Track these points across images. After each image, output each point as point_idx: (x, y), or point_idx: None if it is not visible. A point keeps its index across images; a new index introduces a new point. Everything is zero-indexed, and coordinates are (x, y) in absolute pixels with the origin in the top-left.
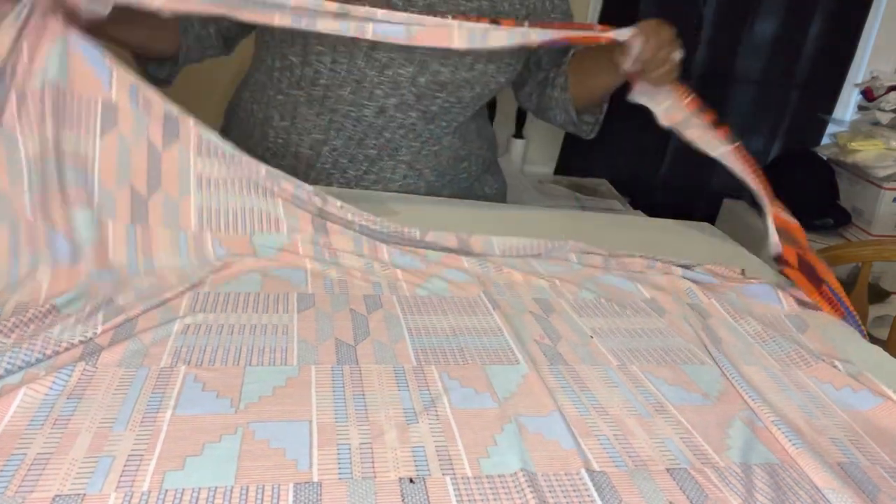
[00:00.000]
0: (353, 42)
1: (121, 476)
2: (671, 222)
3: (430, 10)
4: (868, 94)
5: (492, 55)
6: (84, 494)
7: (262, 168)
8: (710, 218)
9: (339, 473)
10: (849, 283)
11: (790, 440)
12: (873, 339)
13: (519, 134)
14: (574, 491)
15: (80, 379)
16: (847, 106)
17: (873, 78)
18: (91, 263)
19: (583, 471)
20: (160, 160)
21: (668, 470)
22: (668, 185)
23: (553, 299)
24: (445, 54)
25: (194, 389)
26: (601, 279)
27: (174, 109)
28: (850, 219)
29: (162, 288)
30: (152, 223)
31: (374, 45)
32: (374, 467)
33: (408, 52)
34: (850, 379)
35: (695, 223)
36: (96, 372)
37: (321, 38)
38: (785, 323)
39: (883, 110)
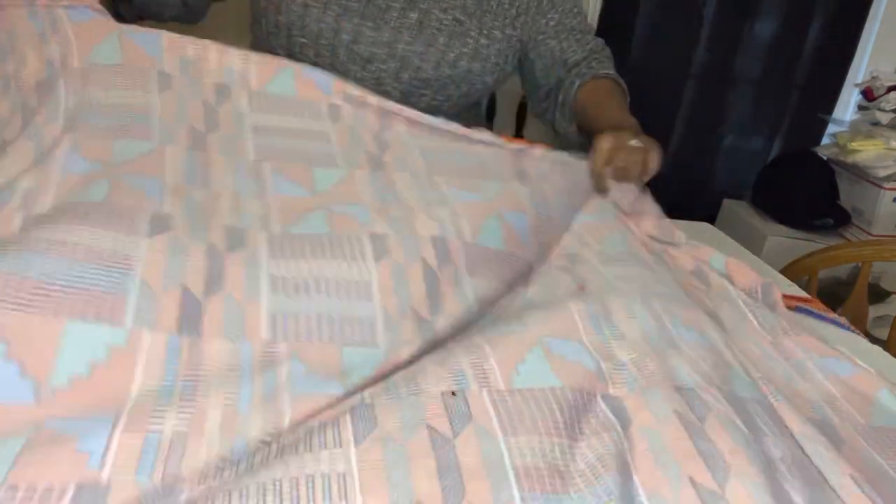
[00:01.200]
0: (335, 35)
1: None
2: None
3: (412, 5)
4: (868, 94)
5: (476, 54)
6: None
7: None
8: (710, 218)
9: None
10: (849, 283)
11: (772, 394)
12: (873, 340)
13: (519, 135)
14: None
15: None
16: (847, 106)
17: (873, 78)
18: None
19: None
20: (216, 112)
21: (676, 388)
22: (667, 185)
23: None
24: (426, 51)
25: None
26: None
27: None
28: (850, 219)
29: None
30: (210, 151)
31: (356, 39)
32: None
33: (389, 47)
34: (835, 350)
35: (695, 223)
36: None
37: (304, 30)
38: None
39: (883, 110)
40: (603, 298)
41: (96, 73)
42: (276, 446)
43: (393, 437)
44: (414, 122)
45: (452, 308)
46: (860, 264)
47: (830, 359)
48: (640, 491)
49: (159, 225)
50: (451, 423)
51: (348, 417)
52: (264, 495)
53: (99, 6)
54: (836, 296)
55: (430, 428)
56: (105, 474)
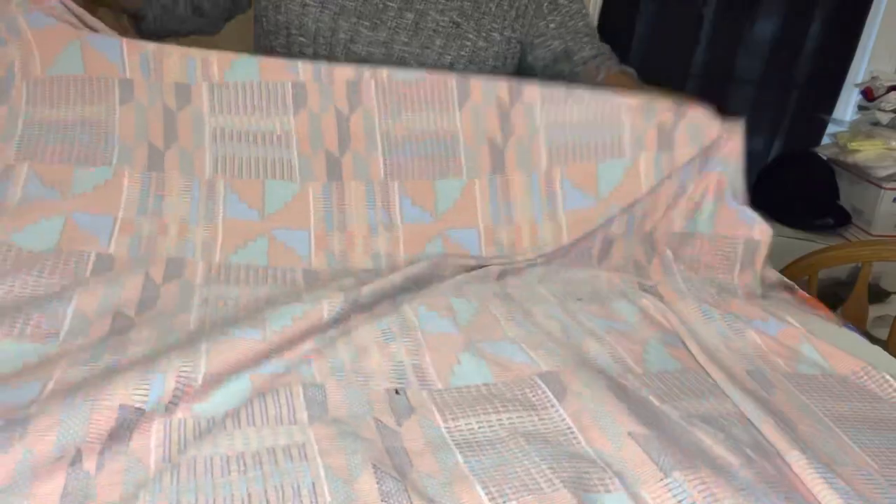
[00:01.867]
0: (333, 34)
1: None
2: None
3: (408, 6)
4: (868, 94)
5: (473, 57)
6: None
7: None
8: None
9: None
10: (849, 283)
11: (702, 352)
12: (873, 340)
13: None
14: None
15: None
16: (847, 106)
17: (873, 78)
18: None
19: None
20: (175, 119)
21: (597, 369)
22: None
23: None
24: (422, 52)
25: None
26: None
27: (186, 77)
28: (850, 219)
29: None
30: (167, 169)
31: (353, 39)
32: None
33: (386, 48)
34: (768, 314)
35: None
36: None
37: (302, 28)
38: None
39: (883, 110)
40: (524, 304)
41: (59, 85)
42: (231, 420)
43: (343, 420)
44: (384, 83)
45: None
46: (860, 264)
47: (760, 322)
48: (587, 448)
49: (101, 265)
50: (395, 417)
51: (302, 399)
52: (228, 464)
53: (56, 11)
54: (836, 296)
55: (377, 420)
56: None
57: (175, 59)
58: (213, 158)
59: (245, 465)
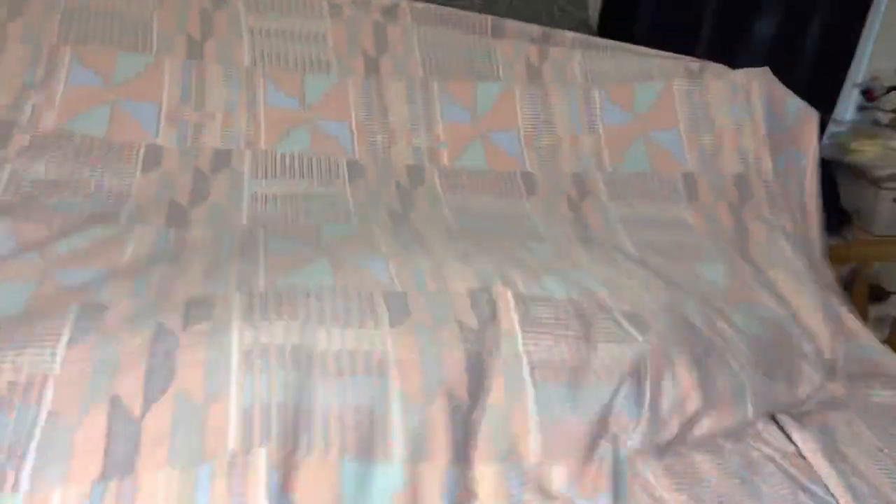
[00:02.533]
0: None
1: None
2: None
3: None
4: (868, 94)
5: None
6: None
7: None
8: None
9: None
10: (849, 283)
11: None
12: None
13: None
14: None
15: None
16: (847, 106)
17: (873, 78)
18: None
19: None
20: (212, 17)
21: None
22: None
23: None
24: None
25: None
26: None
27: None
28: (850, 219)
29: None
30: (206, 58)
31: None
32: None
33: None
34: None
35: None
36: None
37: None
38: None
39: (883, 110)
40: (607, 252)
41: None
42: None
43: (426, 324)
44: (420, 11)
45: (424, 208)
46: (860, 264)
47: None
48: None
49: (152, 159)
50: (477, 319)
51: (383, 303)
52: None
53: None
54: None
55: (459, 322)
56: None
57: None
58: (251, 50)
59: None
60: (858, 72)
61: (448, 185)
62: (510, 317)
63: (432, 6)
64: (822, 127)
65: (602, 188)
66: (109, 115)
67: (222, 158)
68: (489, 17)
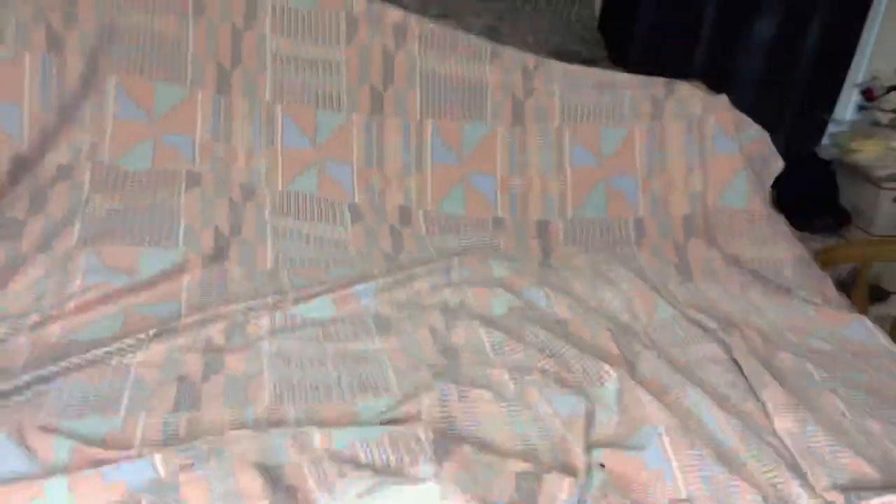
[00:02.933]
0: None
1: None
2: None
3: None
4: (868, 94)
5: None
6: None
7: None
8: None
9: None
10: (849, 283)
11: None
12: None
13: None
14: None
15: None
16: (847, 106)
17: (873, 78)
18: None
19: None
20: (241, 38)
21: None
22: None
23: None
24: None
25: None
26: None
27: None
28: (850, 219)
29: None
30: (233, 93)
31: None
32: None
33: None
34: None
35: None
36: None
37: None
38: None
39: (883, 110)
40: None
41: None
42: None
43: (407, 331)
44: (428, 34)
45: (414, 250)
46: (860, 264)
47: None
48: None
49: (192, 181)
50: (445, 322)
51: (371, 323)
52: (322, 363)
53: None
54: None
55: (431, 328)
56: None
57: None
58: (272, 82)
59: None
60: (858, 72)
61: (430, 229)
62: (470, 321)
63: (439, 29)
64: (822, 127)
65: (561, 236)
66: (153, 150)
67: (247, 192)
68: (489, 46)
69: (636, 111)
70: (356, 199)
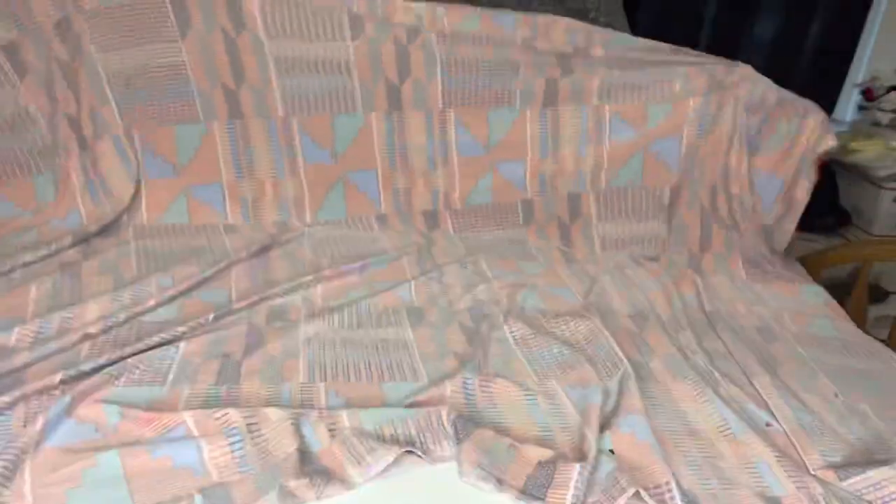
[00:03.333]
0: None
1: None
2: None
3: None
4: (868, 94)
5: None
6: None
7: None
8: None
9: None
10: (849, 283)
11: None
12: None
13: None
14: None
15: None
16: (847, 106)
17: (873, 78)
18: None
19: None
20: (237, 48)
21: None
22: None
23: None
24: None
25: None
26: None
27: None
28: (850, 219)
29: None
30: (246, 116)
31: None
32: None
33: None
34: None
35: None
36: None
37: None
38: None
39: (883, 110)
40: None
41: (107, 15)
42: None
43: (436, 325)
44: (445, 31)
45: (442, 258)
46: (860, 264)
47: (790, 298)
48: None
49: (229, 230)
50: (473, 321)
51: (403, 311)
52: (354, 348)
53: None
54: (836, 296)
55: (461, 323)
56: None
57: None
58: (282, 95)
59: (366, 346)
60: (858, 72)
61: (459, 226)
62: (497, 316)
63: (461, 30)
64: None
65: (592, 208)
66: (187, 206)
67: (280, 229)
68: (521, 32)
69: (689, 88)
70: (383, 209)
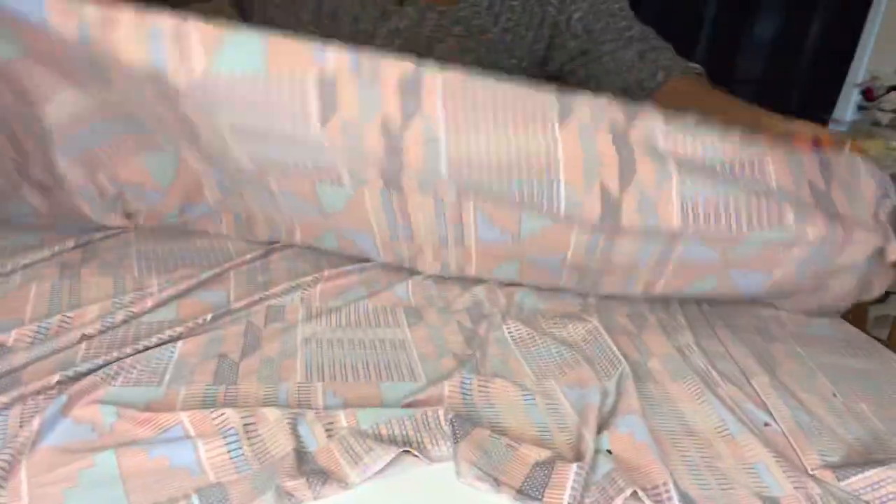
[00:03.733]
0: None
1: None
2: None
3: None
4: (868, 94)
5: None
6: None
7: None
8: None
9: None
10: None
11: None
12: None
13: None
14: None
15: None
16: (847, 106)
17: (873, 78)
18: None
19: None
20: (191, 122)
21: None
22: None
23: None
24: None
25: None
26: None
27: None
28: None
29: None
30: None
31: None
32: None
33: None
34: None
35: None
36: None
37: None
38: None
39: (883, 110)
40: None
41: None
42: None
43: (434, 325)
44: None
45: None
46: None
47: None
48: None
49: (231, 237)
50: (471, 321)
51: (401, 310)
52: (352, 347)
53: None
54: None
55: (459, 323)
56: None
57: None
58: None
59: (364, 345)
60: (858, 72)
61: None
62: (497, 316)
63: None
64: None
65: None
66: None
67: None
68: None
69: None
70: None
